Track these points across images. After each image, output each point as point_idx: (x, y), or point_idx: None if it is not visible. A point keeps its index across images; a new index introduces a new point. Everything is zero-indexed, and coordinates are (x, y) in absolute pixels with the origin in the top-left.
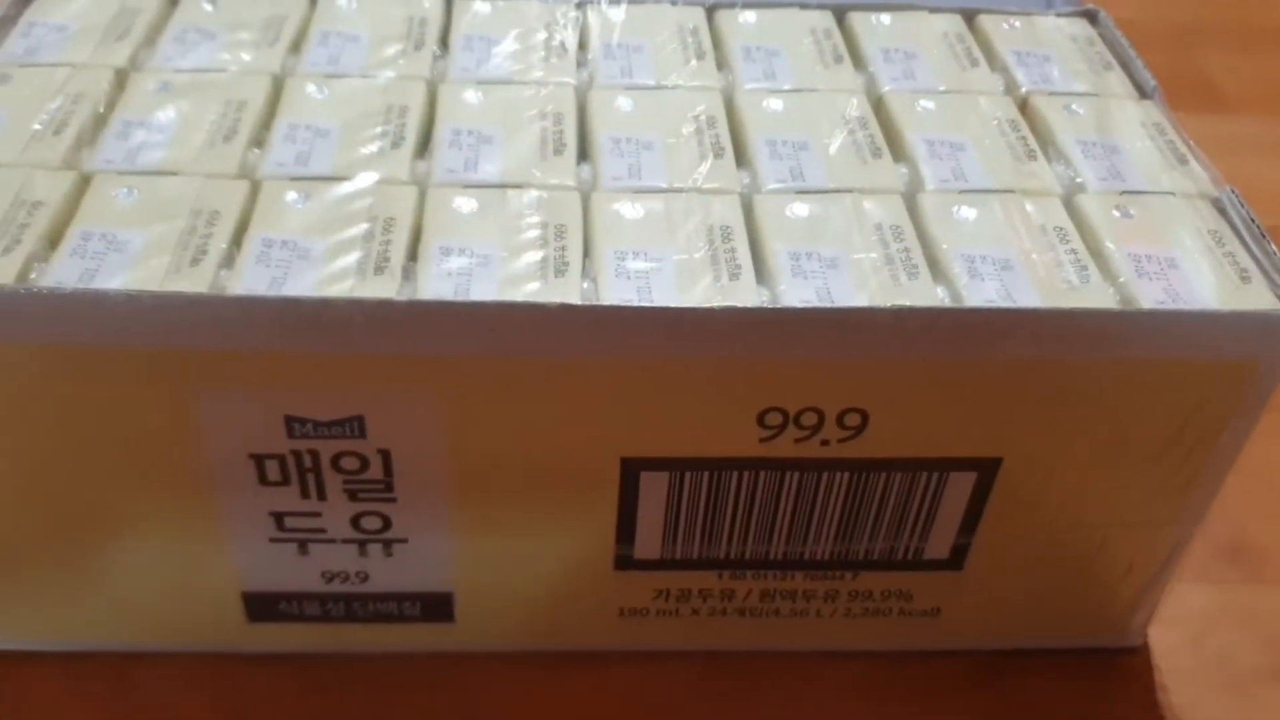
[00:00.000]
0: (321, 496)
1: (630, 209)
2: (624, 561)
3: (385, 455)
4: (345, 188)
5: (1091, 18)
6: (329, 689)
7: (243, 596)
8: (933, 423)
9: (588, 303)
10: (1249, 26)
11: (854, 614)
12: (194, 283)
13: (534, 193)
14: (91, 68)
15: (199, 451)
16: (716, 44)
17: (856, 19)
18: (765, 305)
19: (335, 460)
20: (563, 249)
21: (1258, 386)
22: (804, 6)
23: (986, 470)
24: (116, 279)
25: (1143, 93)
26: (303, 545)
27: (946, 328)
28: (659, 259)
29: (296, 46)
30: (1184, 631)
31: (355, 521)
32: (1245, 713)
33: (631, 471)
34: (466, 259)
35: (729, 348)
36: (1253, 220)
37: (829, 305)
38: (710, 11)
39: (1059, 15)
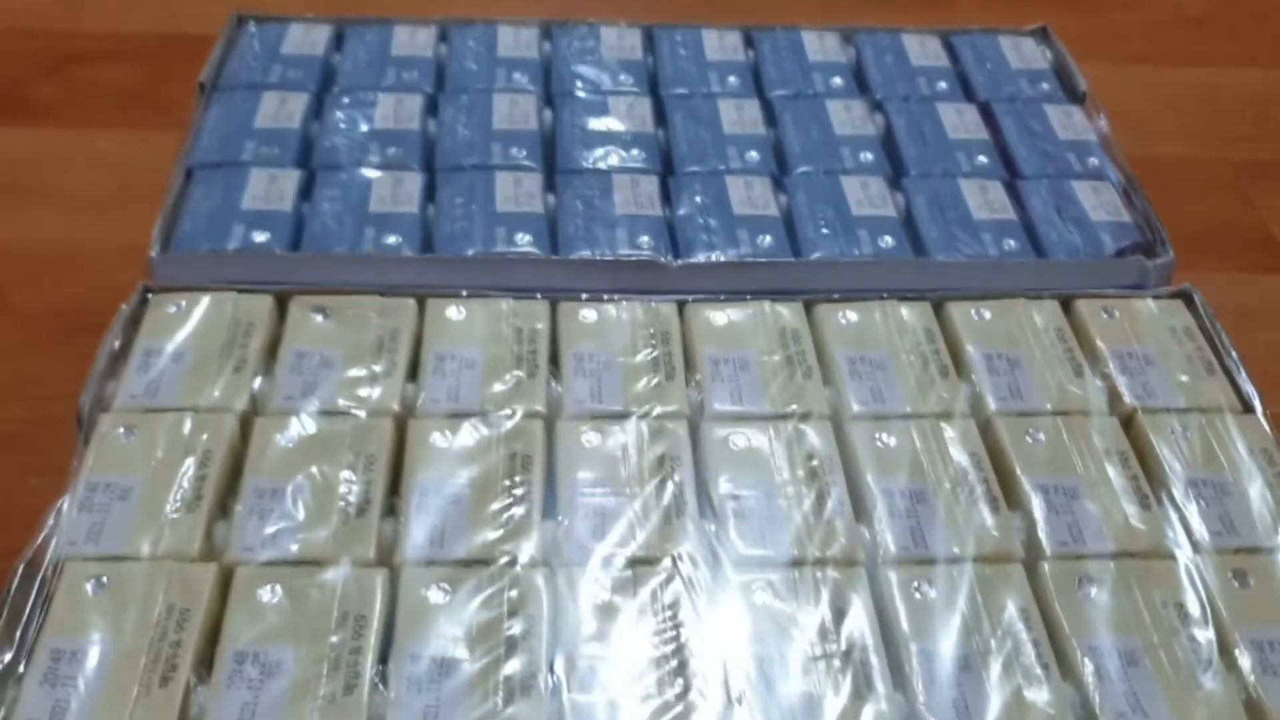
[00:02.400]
0: None
1: None
2: None
3: None
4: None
5: (1188, 299)
6: None
7: None
8: None
9: None
10: None
11: None
12: (352, 717)
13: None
14: (216, 412)
15: None
16: (820, 351)
17: (956, 312)
18: None
19: None
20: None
21: None
22: (903, 298)
23: None
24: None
25: (1245, 405)
26: None
27: None
28: None
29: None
30: None
31: None
32: None
33: None
34: None
35: None
36: None
37: None
38: (809, 307)
39: (1155, 298)
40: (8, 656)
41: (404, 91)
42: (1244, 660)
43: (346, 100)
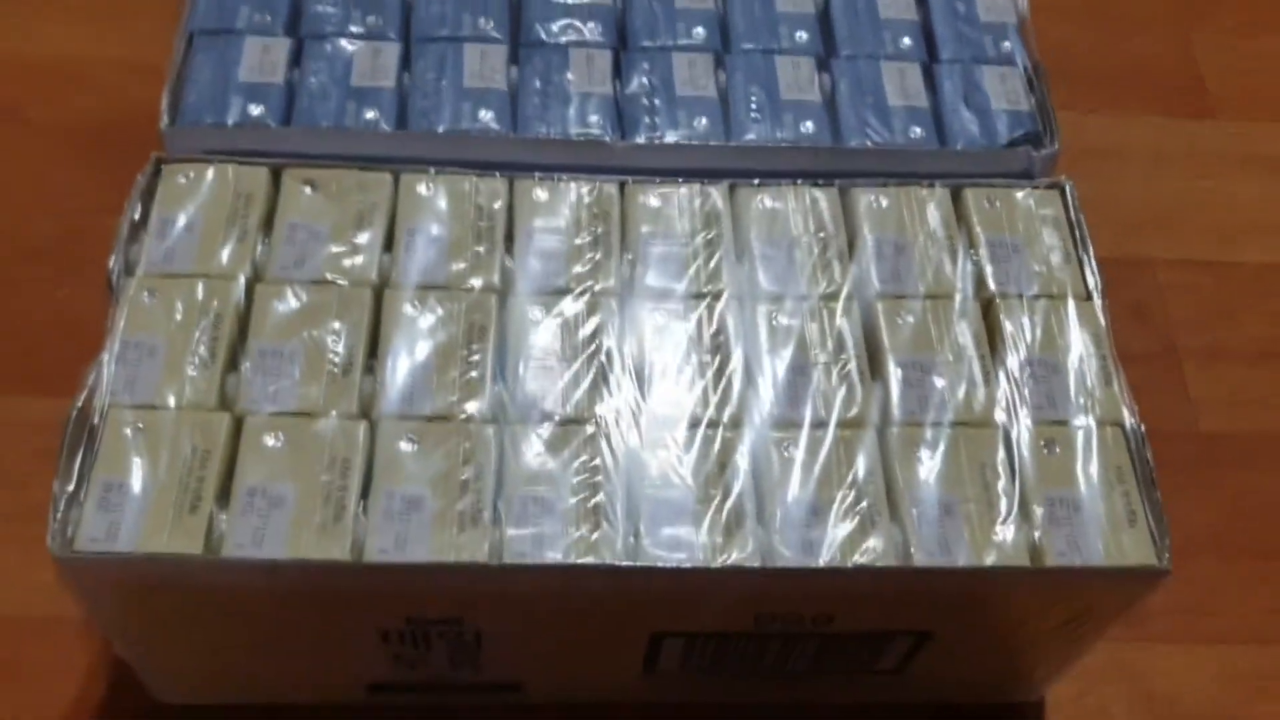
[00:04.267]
0: (428, 649)
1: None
2: (649, 668)
3: (477, 633)
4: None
5: (1061, 190)
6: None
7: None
8: (882, 618)
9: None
10: None
11: (819, 688)
12: (339, 539)
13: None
14: (224, 279)
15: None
16: (737, 235)
17: (858, 199)
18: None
19: (440, 634)
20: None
21: (1131, 593)
22: (815, 183)
23: (920, 636)
24: (282, 541)
25: (1087, 293)
26: (411, 665)
27: (892, 578)
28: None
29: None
30: (1075, 687)
31: (451, 660)
32: None
33: (657, 639)
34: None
35: (741, 585)
36: (1148, 462)
37: (809, 565)
38: (733, 190)
39: (1033, 189)
40: (70, 487)
41: None
42: (1037, 513)
43: None
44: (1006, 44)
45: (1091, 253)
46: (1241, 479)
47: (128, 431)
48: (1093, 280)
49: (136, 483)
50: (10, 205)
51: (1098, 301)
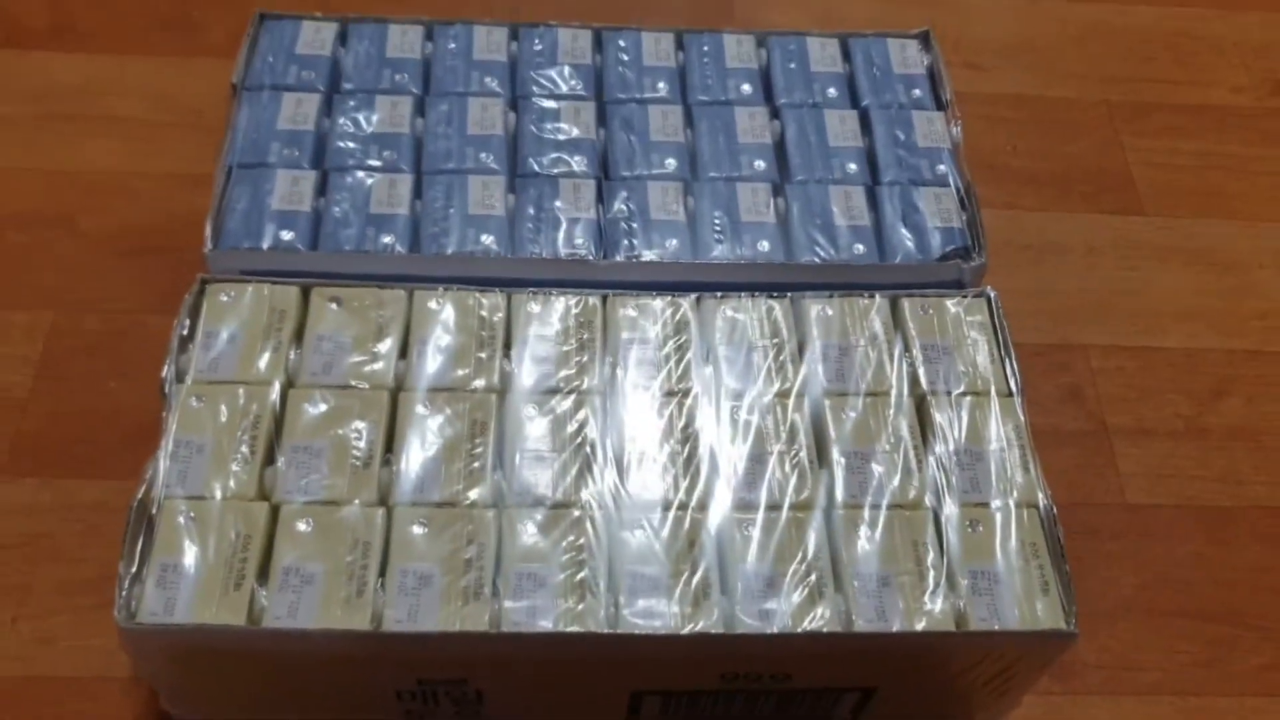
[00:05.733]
0: (436, 705)
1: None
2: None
3: (479, 691)
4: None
5: (988, 300)
6: None
7: None
8: (831, 676)
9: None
10: None
11: None
12: (361, 612)
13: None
14: (262, 385)
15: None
16: (703, 340)
17: (808, 308)
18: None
19: (446, 692)
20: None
21: (1046, 653)
22: (770, 295)
23: (866, 691)
24: (312, 613)
25: (1010, 390)
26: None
27: (837, 642)
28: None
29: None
30: None
31: (457, 714)
32: None
33: (637, 696)
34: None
35: (707, 649)
36: (1058, 539)
37: (765, 631)
38: (699, 300)
39: (962, 298)
40: (133, 568)
41: (397, 94)
42: (962, 584)
43: (351, 103)
44: (941, 167)
45: (1013, 354)
46: (1165, 547)
47: (181, 519)
48: (1013, 380)
49: (189, 563)
50: (64, 305)
51: (1017, 399)
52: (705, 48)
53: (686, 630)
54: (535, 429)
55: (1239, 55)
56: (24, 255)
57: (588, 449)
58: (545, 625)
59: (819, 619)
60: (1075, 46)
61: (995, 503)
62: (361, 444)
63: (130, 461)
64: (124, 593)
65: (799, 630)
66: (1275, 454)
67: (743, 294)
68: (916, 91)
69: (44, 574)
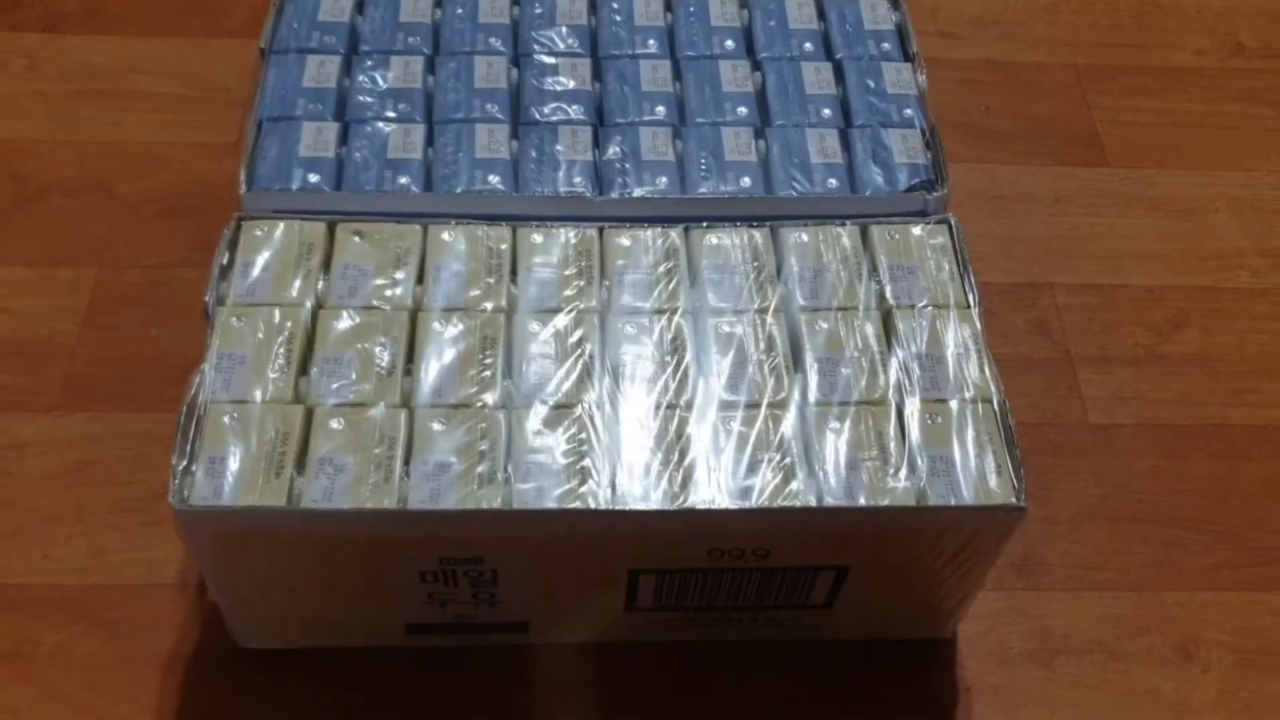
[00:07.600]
0: (456, 586)
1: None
2: (630, 604)
3: (494, 570)
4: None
5: (949, 225)
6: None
7: (405, 626)
8: (806, 554)
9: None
10: None
11: (767, 624)
12: (389, 494)
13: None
14: (295, 307)
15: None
16: (691, 265)
17: (786, 236)
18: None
19: (465, 572)
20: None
21: (1000, 530)
22: (751, 225)
23: (840, 570)
24: (345, 496)
25: (968, 303)
26: (442, 603)
27: (809, 516)
28: None
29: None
30: (981, 625)
31: (474, 596)
32: (1009, 680)
33: (634, 575)
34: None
35: (694, 524)
36: (1011, 429)
37: (745, 506)
38: (688, 231)
39: (926, 224)
40: (184, 462)
41: (410, 55)
42: (922, 467)
43: (369, 63)
44: (908, 111)
45: (971, 272)
46: (1124, 461)
47: (226, 419)
48: (971, 294)
49: (234, 457)
50: (106, 261)
51: (974, 309)
52: (692, 9)
53: (674, 506)
54: (539, 343)
55: (1200, 20)
56: (67, 218)
57: (586, 358)
58: (550, 504)
59: (792, 495)
60: (1045, 15)
61: (953, 399)
62: (385, 356)
63: (172, 397)
64: (176, 481)
65: (775, 505)
66: (1227, 379)
67: (726, 224)
68: (886, 45)
69: (96, 495)
